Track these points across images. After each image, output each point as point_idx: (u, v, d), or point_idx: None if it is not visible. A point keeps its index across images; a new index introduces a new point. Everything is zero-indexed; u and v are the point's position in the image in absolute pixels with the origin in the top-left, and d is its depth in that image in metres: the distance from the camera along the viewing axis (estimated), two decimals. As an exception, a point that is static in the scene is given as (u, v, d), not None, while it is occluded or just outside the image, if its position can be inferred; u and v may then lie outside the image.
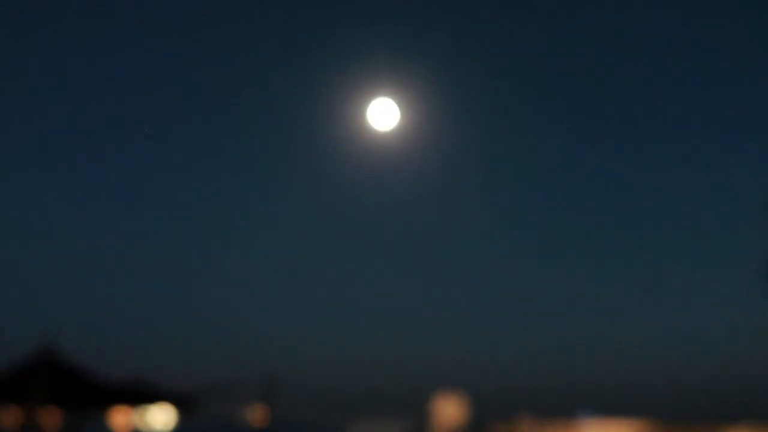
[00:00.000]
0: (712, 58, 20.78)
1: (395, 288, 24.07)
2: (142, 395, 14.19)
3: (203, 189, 22.26)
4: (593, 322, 22.88)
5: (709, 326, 20.73)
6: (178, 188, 22.99)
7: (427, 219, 20.63)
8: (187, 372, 18.98)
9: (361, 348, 23.58)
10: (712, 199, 22.71)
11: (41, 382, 12.83)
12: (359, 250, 22.76)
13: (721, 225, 22.16)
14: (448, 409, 20.59)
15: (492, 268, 23.85)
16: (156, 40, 16.57)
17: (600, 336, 22.55)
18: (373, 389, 19.29)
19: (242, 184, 21.50)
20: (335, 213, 19.73)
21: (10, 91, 18.05)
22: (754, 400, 16.49)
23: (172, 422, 15.50)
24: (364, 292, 24.36)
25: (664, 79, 20.22)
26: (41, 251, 21.56)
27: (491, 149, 20.80)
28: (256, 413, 16.30)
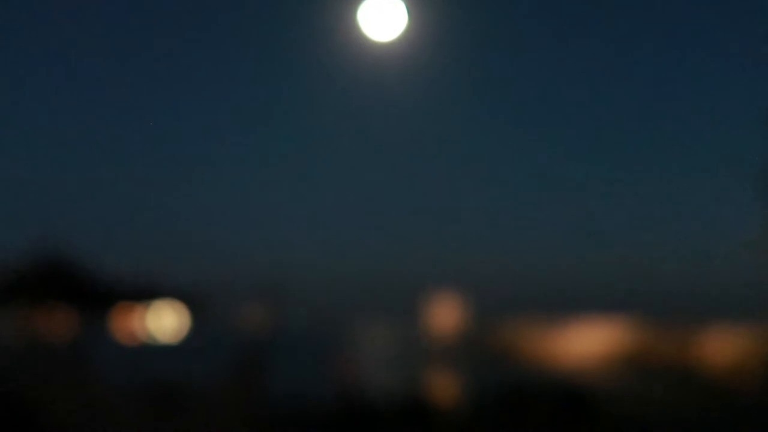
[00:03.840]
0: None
1: (394, 192, 24.62)
2: (151, 291, 14.81)
3: (208, 96, 22.59)
4: (588, 221, 23.39)
5: (700, 230, 21.25)
6: (177, 103, 23.37)
7: (428, 123, 20.95)
8: (192, 274, 19.68)
9: (358, 252, 24.30)
10: (710, 107, 22.90)
11: (48, 281, 13.29)
12: (357, 156, 23.17)
13: (718, 133, 22.42)
14: (446, 308, 21.37)
15: (489, 171, 24.26)
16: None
17: (593, 235, 23.10)
18: (371, 291, 20.00)
19: (248, 92, 21.81)
20: (335, 119, 20.05)
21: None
22: (739, 299, 17.15)
23: (183, 319, 16.20)
24: (362, 198, 24.93)
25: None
26: (46, 155, 22.05)
27: (501, 64, 20.94)
28: (258, 314, 16.89)
